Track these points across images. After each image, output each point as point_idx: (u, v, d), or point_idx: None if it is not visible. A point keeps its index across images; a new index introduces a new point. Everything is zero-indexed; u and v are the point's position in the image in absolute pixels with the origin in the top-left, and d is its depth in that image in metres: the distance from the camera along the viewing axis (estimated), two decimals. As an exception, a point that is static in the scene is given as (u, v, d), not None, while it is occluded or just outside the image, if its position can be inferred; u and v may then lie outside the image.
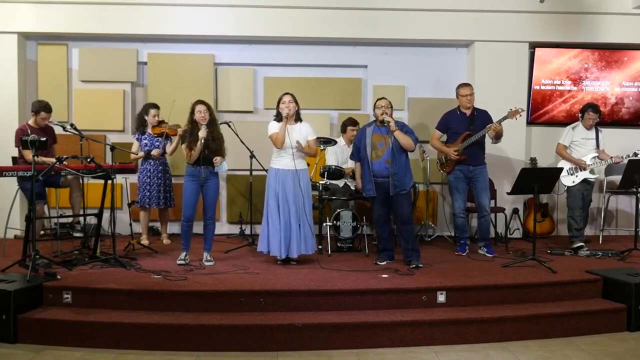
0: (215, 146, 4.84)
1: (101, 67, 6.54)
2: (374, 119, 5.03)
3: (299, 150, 4.86)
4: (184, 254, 4.89)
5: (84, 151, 5.31)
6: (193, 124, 4.83)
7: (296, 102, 4.92)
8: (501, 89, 5.88)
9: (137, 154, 5.68)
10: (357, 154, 5.10)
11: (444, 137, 5.70)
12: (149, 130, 5.77)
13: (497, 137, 5.46)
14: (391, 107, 4.99)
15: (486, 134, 5.41)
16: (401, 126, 4.94)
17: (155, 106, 5.81)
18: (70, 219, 5.57)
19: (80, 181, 5.33)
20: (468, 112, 5.51)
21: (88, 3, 6.23)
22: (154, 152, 5.63)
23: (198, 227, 5.10)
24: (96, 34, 6.37)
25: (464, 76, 6.76)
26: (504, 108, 5.50)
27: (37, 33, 6.35)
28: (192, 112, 4.84)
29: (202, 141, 4.73)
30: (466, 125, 5.46)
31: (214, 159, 4.82)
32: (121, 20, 6.28)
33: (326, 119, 6.71)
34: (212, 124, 4.89)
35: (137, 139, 5.79)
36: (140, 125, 5.80)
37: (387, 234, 5.09)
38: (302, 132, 4.92)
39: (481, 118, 5.46)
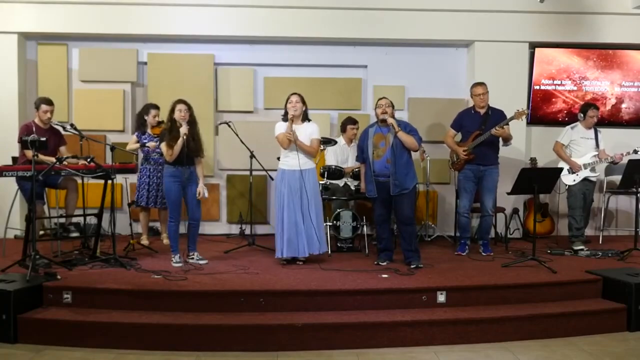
0: (195, 146, 4.83)
1: (101, 67, 6.54)
2: (376, 119, 5.02)
3: (303, 148, 4.86)
4: (177, 255, 4.88)
5: (84, 151, 5.31)
6: (172, 123, 4.81)
7: (304, 102, 4.94)
8: (501, 89, 5.89)
9: (135, 150, 5.69)
10: (361, 155, 5.10)
11: (459, 136, 5.70)
12: (149, 130, 5.77)
13: (505, 140, 5.45)
14: (392, 106, 4.98)
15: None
16: (404, 125, 4.93)
17: (156, 107, 5.81)
18: (68, 220, 5.54)
19: (79, 182, 5.30)
20: (482, 111, 5.50)
21: (88, 3, 6.23)
22: (150, 143, 5.62)
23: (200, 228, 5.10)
24: (96, 34, 6.37)
25: (464, 76, 6.76)
26: (504, 108, 5.52)
27: (37, 33, 6.35)
28: (172, 111, 4.83)
29: (184, 137, 4.72)
30: (478, 125, 5.45)
31: (197, 193, 4.84)
32: (121, 20, 6.28)
33: (326, 119, 6.71)
34: (192, 124, 4.87)
35: (137, 136, 5.77)
36: (140, 125, 5.80)
37: (387, 234, 5.09)
38: (307, 132, 4.93)
39: (495, 118, 5.42)
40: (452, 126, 5.67)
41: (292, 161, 4.87)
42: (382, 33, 6.47)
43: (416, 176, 4.99)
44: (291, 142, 4.82)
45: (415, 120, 6.62)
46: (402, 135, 4.82)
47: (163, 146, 4.80)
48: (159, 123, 5.75)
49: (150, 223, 6.10)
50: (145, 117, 5.77)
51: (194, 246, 5.02)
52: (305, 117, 4.98)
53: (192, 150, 4.82)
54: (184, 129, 4.74)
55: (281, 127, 4.90)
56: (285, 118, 4.92)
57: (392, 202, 4.92)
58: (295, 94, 4.94)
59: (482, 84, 5.53)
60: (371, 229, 5.93)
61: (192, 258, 4.97)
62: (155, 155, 5.69)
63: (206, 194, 4.95)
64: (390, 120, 4.84)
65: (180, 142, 4.72)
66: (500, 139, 5.45)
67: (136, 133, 5.81)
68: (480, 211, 5.62)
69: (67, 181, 5.26)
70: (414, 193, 4.99)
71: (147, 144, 5.62)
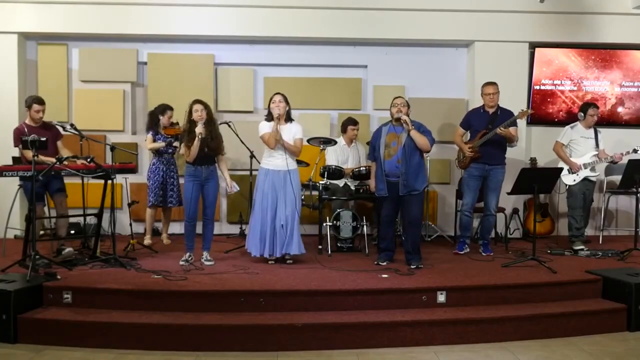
0: (214, 145, 4.85)
1: (101, 67, 6.54)
2: (391, 118, 4.99)
3: (286, 146, 4.86)
4: (187, 254, 4.89)
5: (84, 151, 5.31)
6: (191, 124, 4.84)
7: (287, 102, 4.94)
8: (501, 89, 5.89)
9: (156, 147, 5.71)
10: (373, 153, 5.08)
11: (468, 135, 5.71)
12: (161, 130, 5.77)
13: (509, 141, 5.45)
14: (408, 105, 4.96)
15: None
16: (418, 126, 4.88)
17: (172, 108, 5.81)
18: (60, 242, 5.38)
19: (80, 182, 5.30)
20: (491, 111, 5.50)
21: (88, 3, 6.24)
22: (176, 143, 5.62)
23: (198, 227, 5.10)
24: (96, 34, 6.37)
25: (464, 76, 6.77)
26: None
27: (37, 33, 6.35)
28: (190, 112, 4.85)
29: (200, 137, 4.73)
30: (485, 124, 5.44)
31: (227, 188, 4.95)
32: (121, 20, 6.28)
33: (326, 119, 6.71)
34: (210, 122, 4.88)
35: (152, 135, 5.76)
36: (153, 124, 5.80)
37: (390, 235, 5.07)
38: (291, 132, 4.93)
39: (503, 118, 5.41)
40: (461, 125, 5.68)
41: (277, 161, 4.88)
42: (382, 33, 6.47)
43: (427, 178, 4.95)
44: (277, 142, 4.82)
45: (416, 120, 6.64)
46: (415, 134, 4.79)
47: (182, 147, 4.84)
48: (172, 124, 5.75)
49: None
50: (160, 117, 5.76)
51: (208, 246, 5.02)
52: (288, 117, 4.97)
53: (212, 149, 4.84)
54: (199, 129, 4.74)
55: (265, 127, 4.89)
56: (268, 118, 4.92)
57: (400, 202, 4.90)
58: (278, 93, 4.94)
59: (493, 83, 5.52)
60: (371, 229, 5.93)
61: (202, 257, 4.98)
62: (167, 155, 5.70)
63: (236, 187, 5.03)
64: (404, 117, 4.81)
65: (196, 142, 4.72)
66: (506, 139, 5.45)
67: (150, 132, 5.79)
68: (482, 211, 5.62)
69: (60, 197, 5.19)
70: (423, 195, 4.97)
71: (173, 144, 5.62)
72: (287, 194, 4.88)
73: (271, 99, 4.94)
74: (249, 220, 5.05)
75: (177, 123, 5.70)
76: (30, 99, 5.16)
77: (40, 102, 5.12)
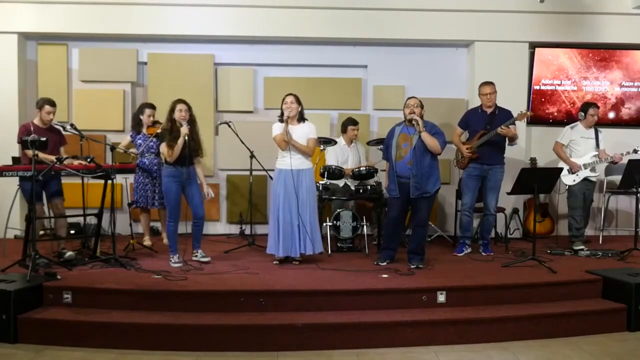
0: (194, 146, 4.84)
1: (101, 67, 6.54)
2: (404, 119, 4.96)
3: (297, 147, 4.84)
4: (176, 256, 4.87)
5: (84, 151, 5.31)
6: (172, 123, 4.81)
7: (299, 102, 4.93)
8: (501, 89, 5.90)
9: (125, 148, 5.64)
10: (386, 153, 5.06)
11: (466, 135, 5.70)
12: (144, 130, 5.76)
13: (510, 139, 5.44)
14: (422, 106, 4.90)
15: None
16: (430, 127, 4.83)
17: (151, 106, 5.78)
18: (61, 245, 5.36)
19: (79, 181, 5.29)
20: (489, 111, 5.49)
21: (88, 3, 6.23)
22: (132, 150, 5.59)
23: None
24: (96, 34, 6.37)
25: (464, 76, 6.76)
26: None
27: (37, 33, 6.35)
28: (172, 111, 4.82)
29: (185, 138, 4.71)
30: (483, 124, 5.44)
31: (205, 194, 4.95)
32: (121, 20, 6.28)
33: (326, 119, 6.71)
34: (192, 123, 4.86)
35: (131, 136, 5.76)
36: (136, 125, 5.78)
37: (394, 236, 5.05)
38: (304, 132, 4.92)
39: (501, 118, 5.40)
40: (459, 125, 5.67)
41: (288, 161, 4.87)
42: (382, 33, 6.46)
43: (439, 180, 4.89)
44: (287, 144, 4.82)
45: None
46: (425, 137, 4.74)
47: (163, 146, 4.79)
48: (154, 123, 5.73)
49: (151, 223, 6.09)
50: (141, 117, 5.74)
51: (198, 244, 5.01)
52: (301, 118, 4.97)
53: (192, 150, 4.83)
54: (184, 129, 4.73)
55: (278, 128, 4.89)
56: (281, 119, 4.92)
57: (410, 203, 4.88)
58: (290, 94, 4.94)
59: (490, 83, 5.51)
60: (371, 229, 5.93)
61: (196, 256, 4.97)
62: (150, 156, 5.68)
63: (212, 194, 5.02)
64: (415, 118, 4.77)
65: (180, 142, 4.71)
66: (507, 138, 5.44)
67: (130, 133, 5.80)
68: (482, 211, 5.62)
69: (56, 200, 5.18)
70: (434, 197, 4.94)
71: (129, 151, 5.57)
72: (301, 193, 4.87)
73: (283, 100, 4.93)
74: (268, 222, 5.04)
75: (158, 122, 5.65)
76: (42, 100, 5.16)
77: (52, 104, 5.12)
